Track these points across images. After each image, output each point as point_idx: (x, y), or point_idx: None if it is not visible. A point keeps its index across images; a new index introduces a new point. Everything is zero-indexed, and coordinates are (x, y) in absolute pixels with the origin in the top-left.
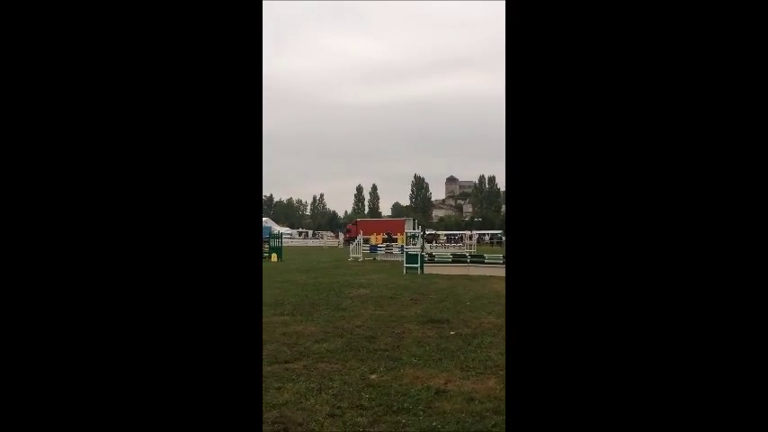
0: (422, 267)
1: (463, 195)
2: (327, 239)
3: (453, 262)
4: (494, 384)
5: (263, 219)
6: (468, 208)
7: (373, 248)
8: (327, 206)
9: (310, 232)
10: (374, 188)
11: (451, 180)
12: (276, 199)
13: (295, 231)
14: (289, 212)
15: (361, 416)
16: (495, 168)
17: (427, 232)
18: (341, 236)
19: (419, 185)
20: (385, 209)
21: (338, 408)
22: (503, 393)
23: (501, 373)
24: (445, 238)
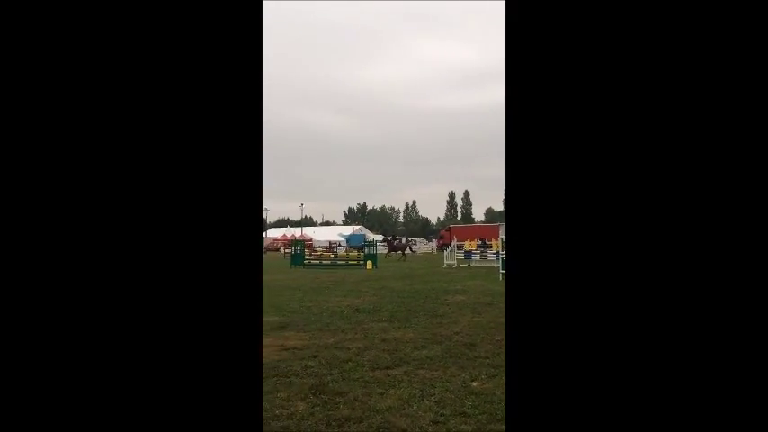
0: None
1: None
2: (421, 246)
3: None
4: None
5: (357, 227)
6: None
7: (467, 255)
8: (420, 213)
9: (404, 239)
10: (466, 194)
11: None
12: (369, 207)
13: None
14: (382, 220)
15: (466, 423)
16: None
17: None
18: (434, 242)
19: None
20: (478, 214)
21: (441, 415)
22: None
23: None
24: None
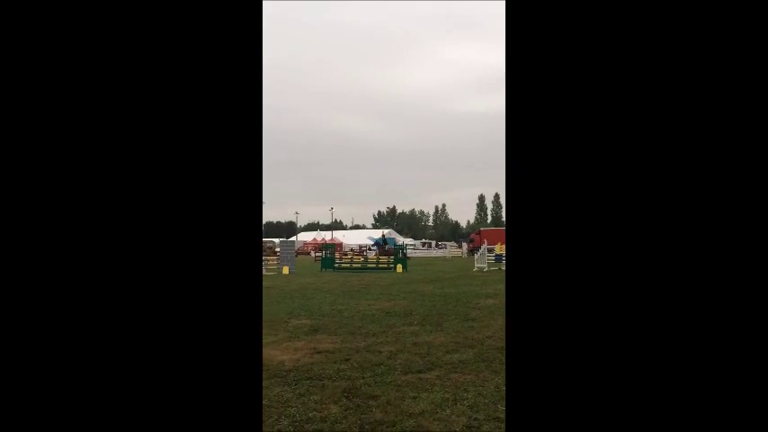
0: None
1: None
2: (451, 249)
3: None
4: None
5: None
6: None
7: (498, 258)
8: (450, 216)
9: (433, 242)
10: (496, 197)
11: None
12: (399, 210)
13: (418, 242)
14: (412, 223)
15: (499, 428)
16: None
17: None
18: (464, 246)
19: None
20: None
21: (475, 419)
22: None
23: None
24: None
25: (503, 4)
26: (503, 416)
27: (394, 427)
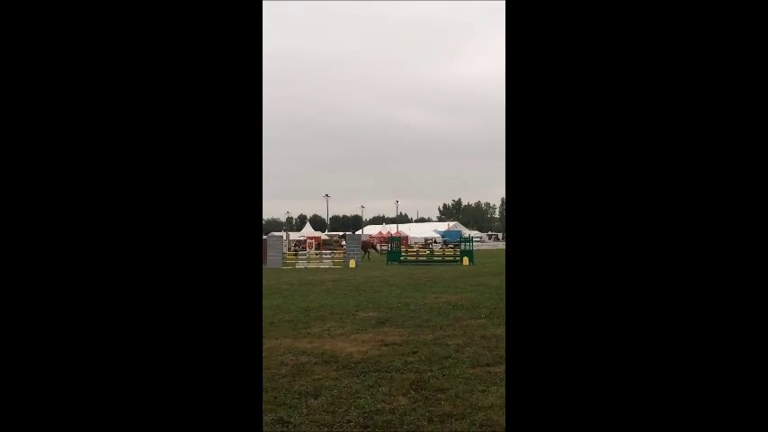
0: None
1: None
2: None
3: None
4: None
5: (453, 222)
6: None
7: None
8: None
9: (500, 234)
10: None
11: None
12: (464, 203)
13: (484, 234)
14: (477, 215)
15: None
16: None
17: None
18: None
19: None
20: None
21: None
22: None
23: None
24: None
25: (503, 5)
26: None
27: (463, 420)
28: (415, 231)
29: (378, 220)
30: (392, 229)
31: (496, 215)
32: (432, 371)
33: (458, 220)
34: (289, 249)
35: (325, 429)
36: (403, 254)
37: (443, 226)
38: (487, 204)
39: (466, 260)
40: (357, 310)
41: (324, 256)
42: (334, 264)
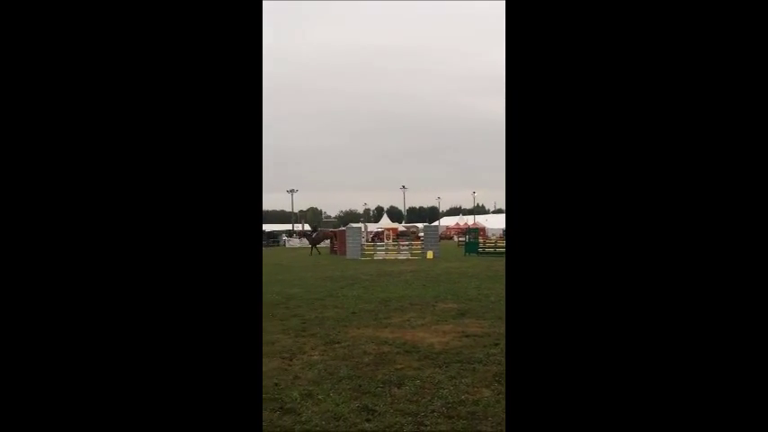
0: None
1: None
2: None
3: None
4: None
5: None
6: None
7: None
8: None
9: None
10: None
11: None
12: None
13: None
14: None
15: None
16: None
17: None
18: None
19: None
20: None
21: None
22: None
23: None
24: None
25: (503, 5)
26: None
27: None
28: (492, 222)
29: (454, 211)
30: (469, 220)
31: None
32: None
33: None
34: (367, 241)
35: (410, 418)
36: (481, 245)
37: None
38: None
39: None
40: (436, 301)
41: (401, 246)
42: (412, 255)
